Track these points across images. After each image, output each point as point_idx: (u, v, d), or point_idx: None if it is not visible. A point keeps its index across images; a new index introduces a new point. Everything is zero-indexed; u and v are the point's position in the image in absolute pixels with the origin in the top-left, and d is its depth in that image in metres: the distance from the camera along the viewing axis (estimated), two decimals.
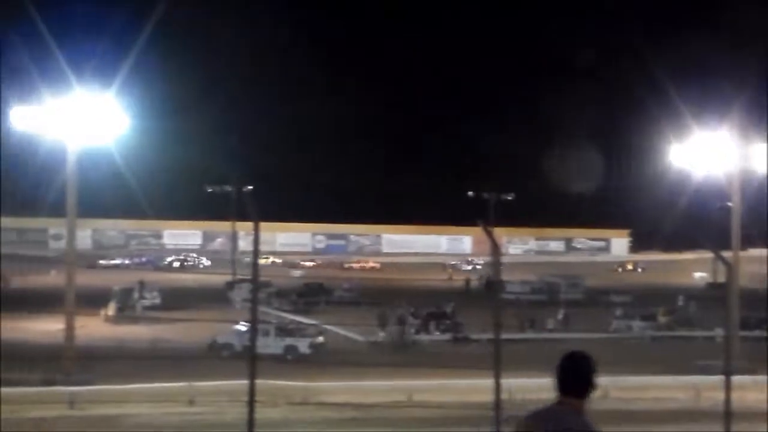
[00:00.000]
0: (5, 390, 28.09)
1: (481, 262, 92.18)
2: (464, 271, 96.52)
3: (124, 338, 48.92)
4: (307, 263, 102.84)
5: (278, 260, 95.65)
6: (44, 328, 49.25)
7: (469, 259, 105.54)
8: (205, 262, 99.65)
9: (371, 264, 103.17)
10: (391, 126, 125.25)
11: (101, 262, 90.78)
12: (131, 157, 51.27)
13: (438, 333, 52.89)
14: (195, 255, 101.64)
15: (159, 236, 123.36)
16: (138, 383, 30.90)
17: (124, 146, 42.93)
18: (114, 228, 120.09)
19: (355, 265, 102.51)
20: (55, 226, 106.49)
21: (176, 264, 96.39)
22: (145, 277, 64.25)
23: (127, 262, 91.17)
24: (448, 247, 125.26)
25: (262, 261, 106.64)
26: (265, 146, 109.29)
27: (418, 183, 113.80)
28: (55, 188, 43.94)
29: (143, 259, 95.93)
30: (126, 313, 56.85)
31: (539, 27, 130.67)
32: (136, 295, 59.97)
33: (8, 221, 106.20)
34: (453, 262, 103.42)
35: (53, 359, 36.09)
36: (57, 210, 48.91)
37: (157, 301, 61.57)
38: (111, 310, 56.66)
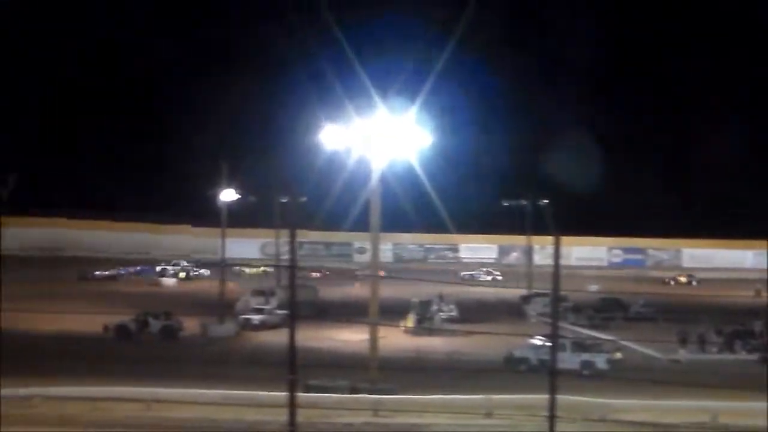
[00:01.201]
0: (316, 395, 29.67)
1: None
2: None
3: (423, 349, 50.15)
4: (314, 274, 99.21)
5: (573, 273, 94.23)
6: (348, 337, 51.61)
7: None
8: (204, 272, 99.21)
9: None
10: (692, 134, 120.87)
11: (96, 273, 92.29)
12: (431, 173, 52.50)
13: (744, 353, 50.37)
14: (192, 264, 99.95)
15: (455, 250, 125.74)
16: (437, 394, 31.56)
17: (424, 162, 43.99)
18: (413, 242, 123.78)
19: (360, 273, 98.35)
20: (358, 240, 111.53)
21: (181, 274, 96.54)
22: (443, 290, 65.54)
23: (122, 272, 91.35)
24: (753, 262, 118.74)
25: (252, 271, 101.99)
26: (559, 159, 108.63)
27: (722, 195, 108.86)
28: (359, 204, 45.83)
29: (138, 269, 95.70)
30: (424, 324, 58.25)
31: None
32: (434, 307, 61.37)
33: (317, 235, 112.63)
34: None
35: (357, 368, 37.60)
36: (361, 224, 51.10)
37: (454, 313, 62.61)
38: (410, 321, 58.35)
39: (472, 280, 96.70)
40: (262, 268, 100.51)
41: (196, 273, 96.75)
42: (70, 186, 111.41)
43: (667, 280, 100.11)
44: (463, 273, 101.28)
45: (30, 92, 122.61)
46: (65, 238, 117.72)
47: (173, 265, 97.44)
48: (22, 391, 28.70)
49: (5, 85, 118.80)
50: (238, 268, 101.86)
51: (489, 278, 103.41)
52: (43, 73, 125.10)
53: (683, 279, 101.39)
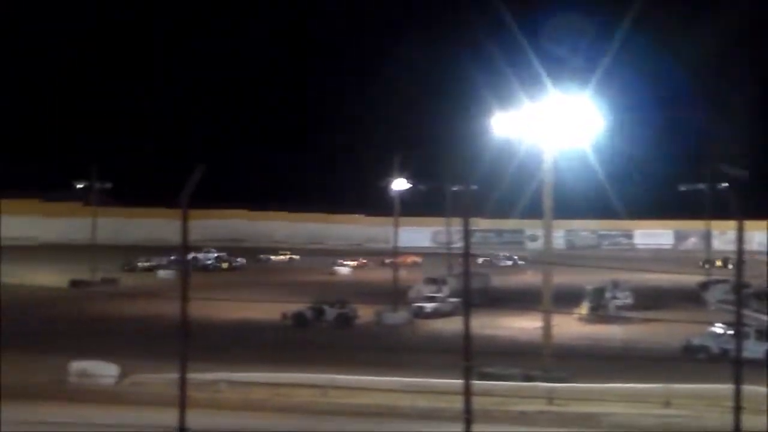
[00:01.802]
0: (490, 383, 29.65)
1: None
2: None
3: (597, 337, 49.46)
4: (351, 262, 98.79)
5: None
6: (521, 324, 51.44)
7: None
8: (240, 260, 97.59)
9: (411, 258, 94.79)
10: None
11: (138, 264, 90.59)
12: (605, 158, 51.57)
13: None
14: (224, 254, 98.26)
15: (630, 236, 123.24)
16: (612, 382, 31.03)
17: (598, 147, 43.20)
18: (586, 228, 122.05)
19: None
20: (530, 227, 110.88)
21: (224, 264, 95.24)
22: (618, 276, 64.36)
23: (164, 262, 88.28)
24: None
25: (277, 258, 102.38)
26: (739, 141, 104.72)
27: None
28: (530, 191, 45.47)
29: (172, 258, 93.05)
30: (598, 312, 57.45)
31: None
32: (608, 294, 60.39)
33: (488, 223, 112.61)
34: None
35: (531, 356, 37.40)
36: (532, 211, 50.72)
37: (629, 300, 61.49)
38: (584, 309, 57.67)
39: (492, 265, 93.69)
40: (288, 255, 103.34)
41: (237, 262, 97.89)
42: (250, 178, 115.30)
43: (701, 263, 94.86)
44: (480, 259, 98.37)
45: (214, 90, 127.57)
46: (245, 229, 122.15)
47: (204, 253, 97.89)
48: (209, 376, 29.84)
49: (198, 86, 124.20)
50: (264, 255, 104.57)
51: (509, 263, 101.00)
52: (227, 73, 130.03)
53: (719, 263, 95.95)
